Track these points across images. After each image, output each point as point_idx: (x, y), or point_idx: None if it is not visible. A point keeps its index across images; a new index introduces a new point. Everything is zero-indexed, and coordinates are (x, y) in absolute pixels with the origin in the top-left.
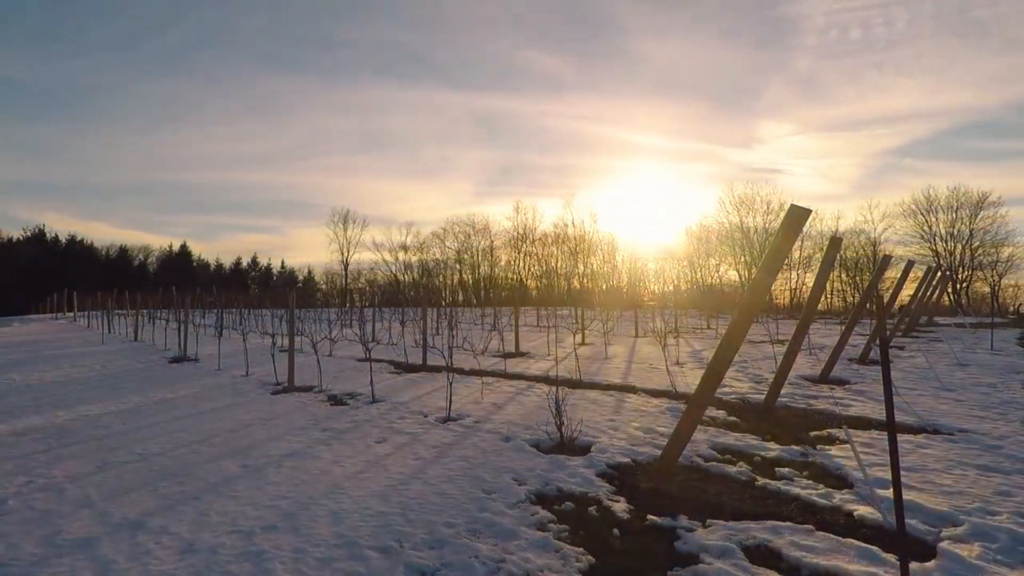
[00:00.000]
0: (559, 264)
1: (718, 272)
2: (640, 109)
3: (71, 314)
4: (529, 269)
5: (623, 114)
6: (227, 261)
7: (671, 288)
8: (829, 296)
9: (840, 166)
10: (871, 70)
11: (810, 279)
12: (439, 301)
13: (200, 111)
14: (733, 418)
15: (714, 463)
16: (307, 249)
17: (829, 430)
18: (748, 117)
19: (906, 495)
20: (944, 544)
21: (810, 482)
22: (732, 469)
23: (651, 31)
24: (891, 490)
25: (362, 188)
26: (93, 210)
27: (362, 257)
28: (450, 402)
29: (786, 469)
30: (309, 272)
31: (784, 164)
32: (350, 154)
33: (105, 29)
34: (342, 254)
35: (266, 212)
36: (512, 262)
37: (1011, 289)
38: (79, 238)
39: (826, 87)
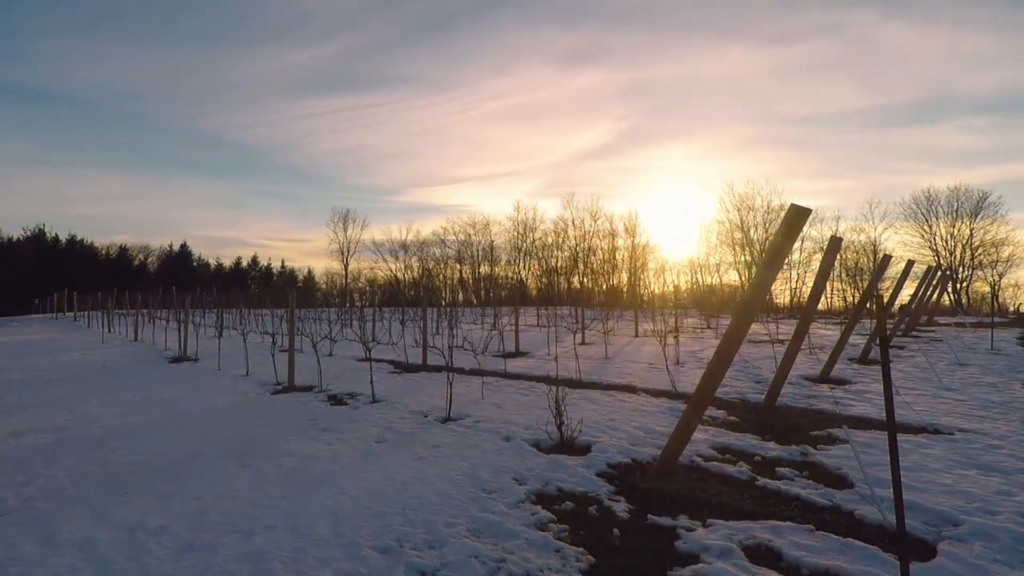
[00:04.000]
0: (559, 263)
1: (718, 272)
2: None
3: (71, 314)
4: (529, 268)
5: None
6: (227, 261)
7: (672, 288)
8: (829, 296)
9: None
10: None
11: (810, 279)
12: (439, 301)
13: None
14: (733, 418)
15: (714, 463)
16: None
17: (829, 430)
18: None
19: (906, 495)
20: (944, 544)
21: (810, 482)
22: (732, 469)
23: None
24: (891, 490)
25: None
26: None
27: (361, 257)
28: (450, 402)
29: (786, 469)
30: (309, 272)
31: None
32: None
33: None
34: (342, 254)
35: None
36: (512, 262)
37: (1011, 289)
38: (79, 238)
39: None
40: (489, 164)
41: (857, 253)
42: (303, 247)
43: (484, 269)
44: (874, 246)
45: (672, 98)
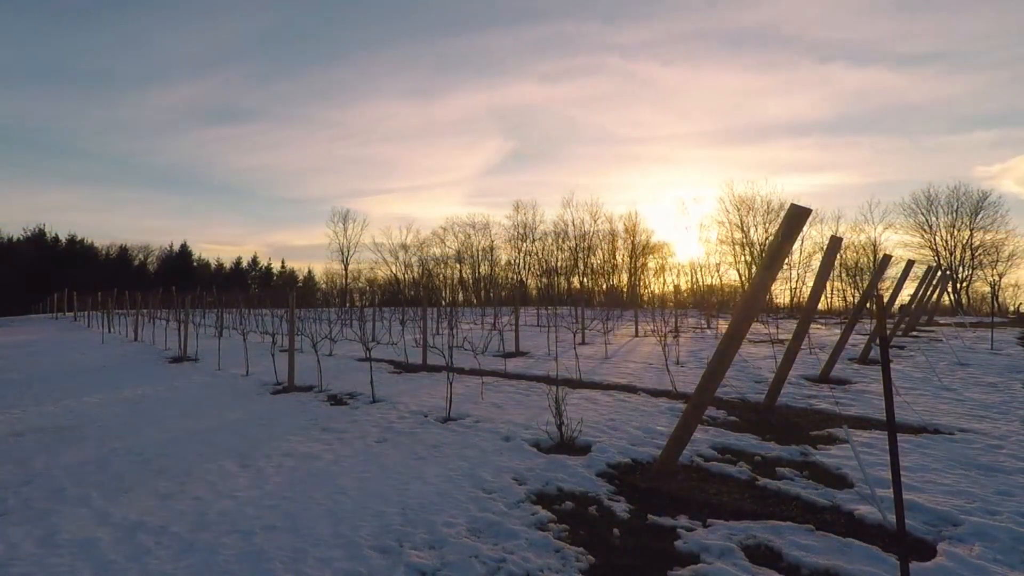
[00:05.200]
0: (559, 263)
1: (718, 272)
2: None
3: (71, 314)
4: (529, 268)
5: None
6: (227, 261)
7: (671, 288)
8: (829, 296)
9: None
10: None
11: (810, 279)
12: (439, 301)
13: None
14: (733, 418)
15: (714, 463)
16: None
17: (829, 430)
18: None
19: (906, 495)
20: (944, 544)
21: (810, 482)
22: (732, 469)
23: None
24: (891, 490)
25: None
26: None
27: (361, 256)
28: (450, 402)
29: (786, 469)
30: (309, 272)
31: None
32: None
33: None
34: (342, 254)
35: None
36: (512, 261)
37: (1011, 289)
38: (79, 238)
39: None
40: (407, 178)
41: (857, 253)
42: (247, 249)
43: (484, 269)
44: (874, 246)
45: (535, 118)
